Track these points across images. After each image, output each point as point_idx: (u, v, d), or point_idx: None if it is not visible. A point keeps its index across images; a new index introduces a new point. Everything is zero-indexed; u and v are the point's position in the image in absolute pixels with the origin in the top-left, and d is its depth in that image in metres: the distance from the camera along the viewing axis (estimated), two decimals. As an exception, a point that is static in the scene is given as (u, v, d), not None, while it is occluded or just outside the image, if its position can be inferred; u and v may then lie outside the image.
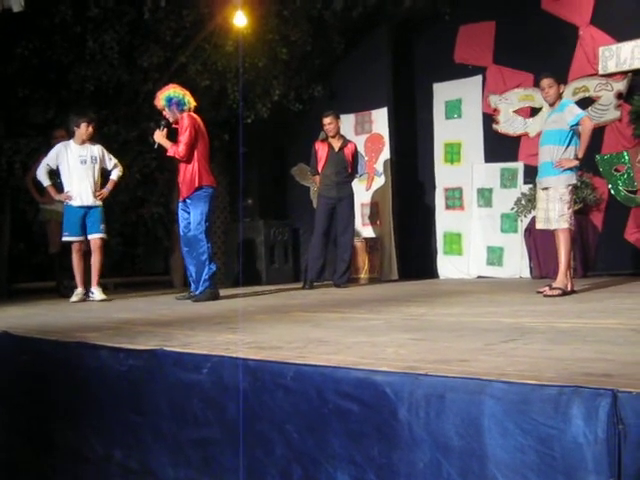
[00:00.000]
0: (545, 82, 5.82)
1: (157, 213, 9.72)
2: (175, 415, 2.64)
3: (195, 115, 6.43)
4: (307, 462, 2.18)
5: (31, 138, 8.19)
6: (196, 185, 6.28)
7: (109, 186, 7.05)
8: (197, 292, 6.32)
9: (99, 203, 6.95)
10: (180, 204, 6.51)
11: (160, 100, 6.38)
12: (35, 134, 8.26)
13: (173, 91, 6.41)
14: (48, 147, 7.86)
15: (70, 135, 7.06)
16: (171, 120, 6.45)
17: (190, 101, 6.43)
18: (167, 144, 6.40)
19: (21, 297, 7.68)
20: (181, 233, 6.55)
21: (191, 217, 6.33)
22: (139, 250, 10.01)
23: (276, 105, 9.58)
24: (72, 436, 3.12)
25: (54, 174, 6.95)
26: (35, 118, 8.30)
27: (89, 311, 5.75)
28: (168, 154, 6.41)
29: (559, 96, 5.76)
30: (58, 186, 6.98)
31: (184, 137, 6.27)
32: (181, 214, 6.51)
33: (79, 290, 6.84)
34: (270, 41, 9.00)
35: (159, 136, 6.43)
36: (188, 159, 6.30)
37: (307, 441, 2.19)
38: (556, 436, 1.66)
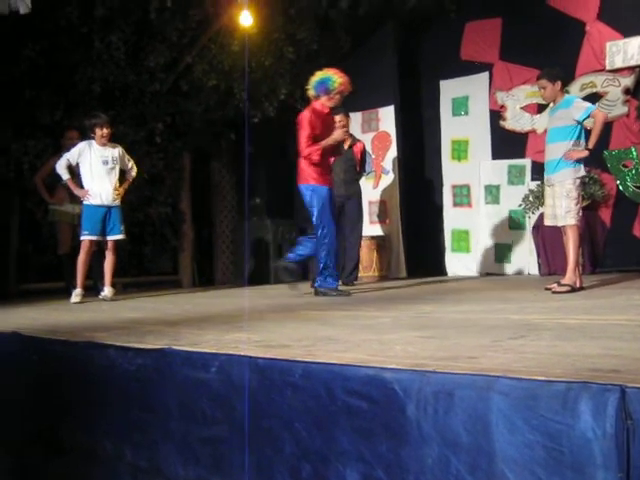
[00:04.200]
0: (538, 84, 5.85)
1: (165, 213, 9.74)
2: (184, 414, 2.64)
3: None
4: (316, 460, 2.19)
5: (39, 139, 8.22)
6: None
7: (125, 185, 7.11)
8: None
9: (118, 203, 6.99)
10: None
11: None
12: (43, 135, 8.28)
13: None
14: (56, 148, 7.90)
15: (83, 136, 7.11)
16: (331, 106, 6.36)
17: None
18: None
19: (30, 297, 7.71)
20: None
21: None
22: (147, 250, 10.03)
23: (283, 104, 9.60)
24: (82, 435, 3.13)
25: (71, 172, 6.96)
26: (42, 119, 8.33)
27: (98, 311, 5.77)
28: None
29: (561, 93, 5.73)
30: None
31: None
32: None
33: (79, 290, 6.80)
34: (276, 40, 9.01)
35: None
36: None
37: (316, 439, 2.20)
38: (564, 432, 1.66)
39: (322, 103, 6.24)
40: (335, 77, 6.14)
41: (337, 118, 7.92)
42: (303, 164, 6.25)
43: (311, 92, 6.25)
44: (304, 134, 6.15)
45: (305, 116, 6.19)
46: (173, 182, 9.75)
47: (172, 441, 2.68)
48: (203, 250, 10.61)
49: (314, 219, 6.19)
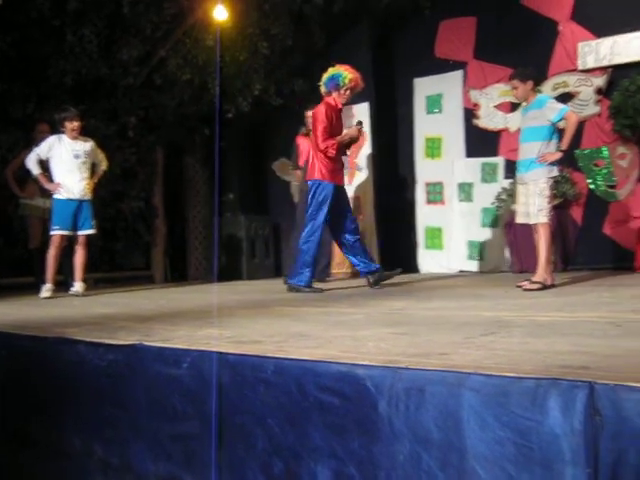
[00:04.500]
0: (510, 84, 5.91)
1: (137, 207, 9.66)
2: (155, 410, 2.63)
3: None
4: (288, 456, 2.19)
5: (10, 133, 8.12)
6: None
7: (95, 178, 7.05)
8: None
9: (89, 197, 6.93)
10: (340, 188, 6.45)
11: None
12: (14, 129, 8.18)
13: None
14: (28, 141, 7.80)
15: (53, 130, 7.04)
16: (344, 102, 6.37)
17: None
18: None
19: (0, 292, 7.60)
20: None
21: None
22: (119, 245, 9.95)
23: (257, 99, 9.56)
24: (52, 432, 3.10)
25: (42, 166, 6.88)
26: (14, 113, 8.22)
27: (69, 306, 5.71)
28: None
29: (533, 92, 5.78)
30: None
31: None
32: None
33: (49, 285, 6.74)
34: (251, 35, 8.97)
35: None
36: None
37: (288, 435, 2.19)
38: (534, 428, 1.68)
39: (334, 98, 6.24)
40: (345, 73, 6.15)
41: (309, 114, 7.93)
42: (314, 158, 6.25)
43: (322, 88, 6.28)
44: (321, 127, 6.14)
45: (321, 110, 6.20)
46: (146, 177, 9.67)
47: (143, 437, 2.67)
48: (176, 245, 10.55)
49: (308, 212, 6.20)
